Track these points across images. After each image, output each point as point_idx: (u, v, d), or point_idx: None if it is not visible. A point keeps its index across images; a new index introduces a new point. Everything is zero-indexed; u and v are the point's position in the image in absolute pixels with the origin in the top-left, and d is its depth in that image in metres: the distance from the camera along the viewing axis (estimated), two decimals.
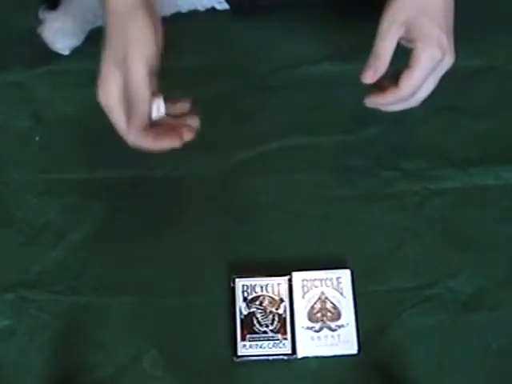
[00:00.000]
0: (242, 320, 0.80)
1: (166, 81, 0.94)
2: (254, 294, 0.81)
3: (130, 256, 0.85)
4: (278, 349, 0.79)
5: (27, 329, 0.82)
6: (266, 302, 0.81)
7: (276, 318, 0.80)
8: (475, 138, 0.91)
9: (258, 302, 0.81)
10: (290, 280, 0.82)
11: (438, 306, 0.82)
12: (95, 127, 0.93)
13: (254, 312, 0.80)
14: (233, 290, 0.81)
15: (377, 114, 0.91)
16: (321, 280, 0.82)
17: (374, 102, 0.79)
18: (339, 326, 0.80)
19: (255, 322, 0.80)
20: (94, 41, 0.97)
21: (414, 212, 0.87)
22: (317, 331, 0.80)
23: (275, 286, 0.82)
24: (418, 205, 0.88)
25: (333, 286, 0.82)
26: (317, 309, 0.81)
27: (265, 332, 0.79)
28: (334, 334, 0.80)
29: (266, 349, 0.79)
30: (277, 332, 0.80)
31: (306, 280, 0.82)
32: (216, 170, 0.90)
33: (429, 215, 0.87)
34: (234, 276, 0.82)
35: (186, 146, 0.91)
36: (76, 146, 0.92)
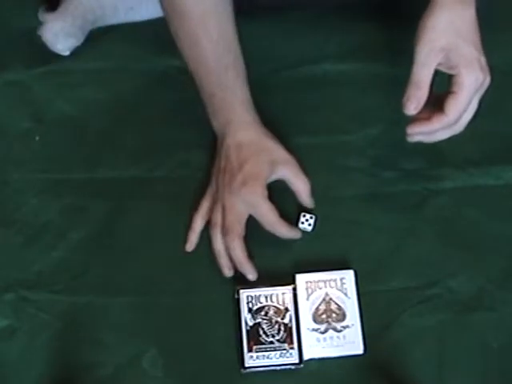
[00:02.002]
0: (248, 331, 0.80)
1: (166, 81, 0.95)
2: (259, 305, 0.81)
3: (130, 256, 0.85)
4: (285, 358, 0.79)
5: (27, 329, 0.82)
6: (271, 312, 0.81)
7: (282, 328, 0.80)
8: (475, 138, 0.91)
9: (263, 313, 0.81)
10: (294, 289, 0.82)
11: (438, 305, 0.82)
12: (95, 127, 0.93)
13: (259, 323, 0.80)
14: (237, 301, 0.81)
15: (377, 114, 0.92)
16: (324, 281, 0.82)
17: (419, 131, 0.78)
18: (344, 327, 0.80)
19: (261, 332, 0.80)
20: (94, 41, 0.98)
21: (414, 212, 0.87)
22: (322, 333, 0.80)
23: (280, 295, 0.82)
24: (418, 205, 0.88)
25: (337, 287, 0.82)
26: (321, 310, 0.81)
27: (271, 342, 0.79)
28: (340, 334, 0.80)
29: (274, 359, 0.79)
30: (283, 342, 0.80)
31: (310, 282, 0.82)
32: None
33: (429, 215, 0.87)
34: (239, 287, 0.82)
35: (187, 146, 0.91)
36: (76, 146, 0.92)
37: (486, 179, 0.89)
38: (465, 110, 0.76)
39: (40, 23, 0.96)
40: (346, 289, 0.82)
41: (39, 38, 0.96)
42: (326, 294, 0.82)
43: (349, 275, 0.82)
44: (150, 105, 0.94)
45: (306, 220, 0.85)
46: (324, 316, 0.81)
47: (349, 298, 0.81)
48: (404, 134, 0.92)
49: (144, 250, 0.86)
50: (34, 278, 0.84)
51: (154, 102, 0.94)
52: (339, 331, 0.80)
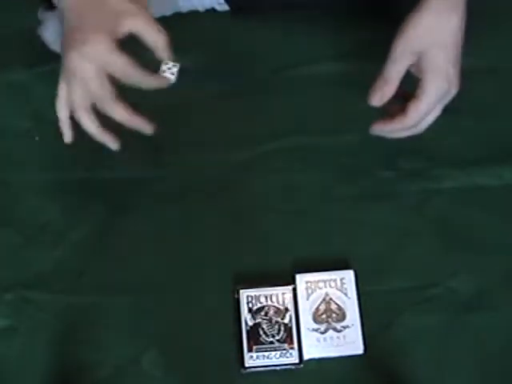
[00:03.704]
0: (248, 331, 0.80)
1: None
2: (259, 305, 0.81)
3: (130, 256, 0.85)
4: (285, 358, 0.79)
5: (27, 329, 0.82)
6: (271, 312, 0.81)
7: (282, 328, 0.80)
8: (475, 137, 0.91)
9: (263, 313, 0.81)
10: (294, 289, 0.82)
11: (438, 306, 0.82)
12: None
13: (259, 323, 0.80)
14: (237, 301, 0.81)
15: (377, 114, 0.92)
16: (324, 281, 0.82)
17: (381, 129, 0.79)
18: (344, 327, 0.80)
19: (261, 332, 0.80)
20: None
21: (414, 212, 0.87)
22: (322, 333, 0.80)
23: (280, 295, 0.82)
24: (418, 205, 0.88)
25: (337, 287, 0.82)
26: (321, 310, 0.81)
27: (271, 342, 0.80)
28: (340, 334, 0.80)
29: (274, 359, 0.79)
30: (283, 342, 0.80)
31: (310, 282, 0.82)
32: (216, 170, 0.90)
33: (429, 215, 0.87)
34: (239, 287, 0.82)
35: (187, 146, 0.91)
36: (76, 146, 0.92)
37: (486, 179, 0.89)
38: (426, 115, 0.77)
39: (40, 23, 0.96)
40: (346, 289, 0.82)
41: (39, 37, 0.95)
42: (326, 294, 0.82)
43: (349, 275, 0.82)
44: (150, 105, 0.94)
45: (169, 68, 0.77)
46: (324, 316, 0.81)
47: (349, 297, 0.81)
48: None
49: (144, 250, 0.86)
50: (34, 278, 0.84)
51: (154, 102, 0.94)
52: (339, 331, 0.80)
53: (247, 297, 0.81)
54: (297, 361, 0.79)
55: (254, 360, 0.79)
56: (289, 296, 0.81)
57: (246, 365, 0.79)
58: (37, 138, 0.93)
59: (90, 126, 0.75)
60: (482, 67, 0.95)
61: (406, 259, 0.85)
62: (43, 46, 0.96)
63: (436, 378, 0.79)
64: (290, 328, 0.80)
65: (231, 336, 0.80)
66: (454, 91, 0.77)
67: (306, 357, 0.79)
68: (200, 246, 0.86)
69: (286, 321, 0.80)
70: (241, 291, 0.82)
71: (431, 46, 0.75)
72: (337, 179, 0.90)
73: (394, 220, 0.87)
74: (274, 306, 0.81)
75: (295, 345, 0.79)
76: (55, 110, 0.94)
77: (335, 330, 0.80)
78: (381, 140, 0.91)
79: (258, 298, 0.81)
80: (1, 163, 0.91)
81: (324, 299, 0.81)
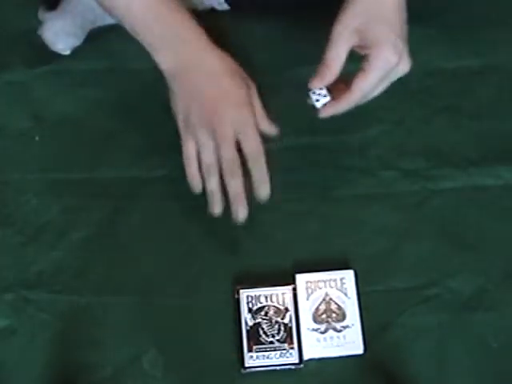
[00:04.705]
0: (248, 331, 0.80)
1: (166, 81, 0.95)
2: (259, 305, 0.81)
3: (130, 256, 0.85)
4: (286, 358, 0.79)
5: (27, 329, 0.82)
6: (271, 312, 0.81)
7: (282, 328, 0.80)
8: (475, 137, 0.91)
9: (263, 313, 0.81)
10: (294, 289, 0.82)
11: (438, 305, 0.82)
12: (95, 127, 0.93)
13: (259, 323, 0.80)
14: (237, 301, 0.81)
15: (377, 114, 0.92)
16: (324, 281, 0.82)
17: (330, 112, 0.77)
18: (344, 327, 0.80)
19: (261, 332, 0.80)
20: (94, 41, 0.98)
21: (414, 212, 0.87)
22: (322, 333, 0.80)
23: (280, 295, 0.82)
24: (418, 205, 0.88)
25: (337, 287, 0.82)
26: (321, 310, 0.81)
27: (271, 342, 0.80)
28: (340, 334, 0.80)
29: (274, 359, 0.79)
30: (283, 342, 0.80)
31: (310, 282, 0.82)
32: None
33: (429, 215, 0.87)
34: (239, 287, 0.82)
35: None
36: (76, 146, 0.92)
37: (486, 179, 0.89)
38: (371, 91, 0.75)
39: (40, 23, 0.96)
40: (345, 289, 0.82)
41: (39, 37, 0.95)
42: (326, 294, 0.82)
43: (349, 275, 0.82)
44: (150, 105, 0.94)
45: (319, 94, 0.77)
46: (324, 316, 0.81)
47: (349, 297, 0.81)
48: (404, 134, 0.92)
49: (144, 250, 0.86)
50: (34, 278, 0.84)
51: (154, 101, 0.94)
52: (339, 331, 0.80)
53: (247, 297, 0.81)
54: (297, 361, 0.79)
55: (254, 360, 0.79)
56: (289, 296, 0.81)
57: (246, 365, 0.79)
58: (37, 138, 0.93)
59: (217, 185, 0.77)
60: (482, 67, 0.95)
61: (406, 259, 0.85)
62: (43, 47, 0.96)
63: (436, 378, 0.79)
64: (290, 328, 0.80)
65: (231, 336, 0.80)
66: (404, 66, 0.74)
67: (305, 357, 0.79)
68: (200, 245, 0.86)
69: (286, 321, 0.80)
70: (241, 291, 0.81)
71: (371, 21, 0.73)
72: (337, 179, 0.89)
73: (394, 220, 0.87)
74: (274, 306, 0.81)
75: (295, 345, 0.79)
76: (55, 110, 0.94)
77: (335, 329, 0.80)
78: (381, 140, 0.92)
79: (257, 297, 0.81)
80: (1, 163, 0.91)
81: (324, 299, 0.81)
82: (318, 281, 0.82)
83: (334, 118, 0.92)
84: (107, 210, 0.88)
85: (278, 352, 0.79)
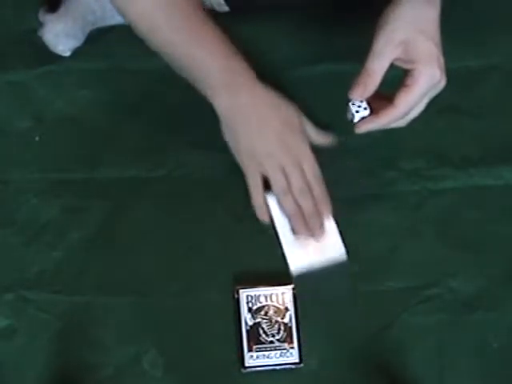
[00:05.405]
0: (247, 331, 0.80)
1: (166, 81, 0.95)
2: (259, 304, 0.81)
3: (130, 256, 0.85)
4: (286, 358, 0.79)
5: (27, 329, 0.82)
6: (271, 312, 0.81)
7: (282, 328, 0.80)
8: (475, 138, 0.91)
9: (263, 312, 0.81)
10: (294, 289, 0.82)
11: (438, 306, 0.82)
12: (95, 127, 0.93)
13: (259, 322, 0.81)
14: (237, 301, 0.81)
15: None
16: None
17: (369, 128, 0.76)
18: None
19: (261, 332, 0.80)
20: (94, 41, 0.98)
21: (414, 212, 0.87)
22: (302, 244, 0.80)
23: (279, 295, 0.82)
24: (418, 205, 0.88)
25: None
26: None
27: (271, 342, 0.80)
28: (319, 240, 0.80)
29: (274, 359, 0.79)
30: (283, 341, 0.80)
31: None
32: (216, 170, 0.90)
33: (429, 215, 0.87)
34: (239, 287, 0.82)
35: (187, 146, 0.91)
36: (76, 146, 0.92)
37: (486, 179, 0.89)
38: (415, 105, 0.74)
39: (40, 24, 0.96)
40: None
41: (39, 38, 0.96)
42: None
43: None
44: (150, 105, 0.94)
45: (359, 106, 0.76)
46: None
47: None
48: (404, 134, 0.92)
49: (144, 250, 0.86)
50: (34, 278, 0.84)
51: (154, 102, 0.94)
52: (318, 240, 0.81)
53: (247, 296, 0.81)
54: (297, 360, 0.79)
55: (254, 360, 0.79)
56: (289, 296, 0.82)
57: (246, 364, 0.79)
58: (37, 138, 0.93)
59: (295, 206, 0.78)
60: (482, 67, 0.95)
61: (406, 259, 0.85)
62: (44, 47, 0.96)
63: (436, 377, 0.79)
64: (290, 327, 0.80)
65: (231, 336, 0.80)
66: (444, 81, 0.74)
67: (292, 268, 0.78)
68: (200, 246, 0.86)
69: (286, 320, 0.81)
70: (241, 291, 0.82)
71: (416, 35, 0.72)
72: (337, 179, 0.89)
73: (393, 220, 0.87)
74: (274, 306, 0.81)
75: (295, 344, 0.79)
76: (55, 110, 0.94)
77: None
78: (381, 140, 0.91)
79: (257, 297, 0.81)
80: (1, 163, 0.91)
81: None
82: None
83: (334, 119, 0.93)
84: (107, 209, 0.88)
85: (278, 352, 0.79)
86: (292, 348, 0.79)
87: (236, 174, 0.89)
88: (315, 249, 0.80)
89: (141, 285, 0.84)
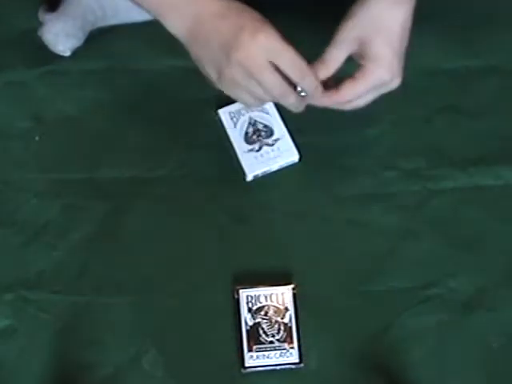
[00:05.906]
0: (247, 331, 0.80)
1: (166, 81, 0.95)
2: (259, 305, 0.81)
3: (130, 256, 0.85)
4: (286, 358, 0.79)
5: (27, 329, 0.82)
6: (271, 312, 0.81)
7: (282, 328, 0.80)
8: (475, 138, 0.91)
9: (262, 312, 0.81)
10: (293, 289, 0.82)
11: (438, 306, 0.82)
12: (95, 127, 0.93)
13: (259, 322, 0.81)
14: (237, 301, 0.81)
15: (377, 114, 0.92)
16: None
17: (308, 101, 0.76)
18: (275, 140, 0.89)
19: (261, 332, 0.80)
20: (94, 41, 0.98)
21: (414, 212, 0.87)
22: (257, 150, 0.88)
23: (279, 295, 0.82)
24: (418, 205, 0.88)
25: (257, 110, 0.90)
26: (251, 132, 0.89)
27: (271, 342, 0.80)
28: (273, 147, 0.88)
29: (274, 359, 0.79)
30: (283, 341, 0.80)
31: (233, 112, 0.90)
32: (216, 170, 0.90)
33: (429, 215, 0.87)
34: (239, 287, 0.82)
35: (187, 146, 0.91)
36: (76, 146, 0.92)
37: (486, 179, 0.89)
38: (358, 97, 0.76)
39: (40, 24, 0.96)
40: (265, 108, 0.89)
41: (39, 37, 0.95)
42: (250, 118, 0.89)
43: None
44: (150, 105, 0.94)
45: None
46: (254, 137, 0.89)
47: (270, 115, 0.89)
48: (404, 134, 0.92)
49: (144, 250, 0.86)
50: (34, 278, 0.84)
51: (154, 102, 0.94)
52: (272, 145, 0.88)
53: (247, 297, 0.81)
54: (297, 360, 0.79)
55: (254, 360, 0.79)
56: (288, 296, 0.81)
57: (246, 365, 0.79)
58: (37, 138, 0.93)
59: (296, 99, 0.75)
60: (482, 67, 0.95)
61: (406, 259, 0.85)
62: (43, 47, 0.96)
63: (436, 377, 0.79)
64: (290, 328, 0.80)
65: (231, 336, 0.80)
66: (395, 83, 0.76)
67: (248, 173, 0.87)
68: (200, 246, 0.86)
69: (286, 320, 0.81)
70: (241, 291, 0.82)
71: (376, 36, 0.74)
72: (337, 179, 0.90)
73: (393, 220, 0.87)
74: (274, 306, 0.81)
75: (295, 344, 0.79)
76: (55, 110, 0.94)
77: (268, 145, 0.88)
78: (381, 140, 0.92)
79: (257, 297, 0.81)
80: (1, 163, 0.91)
81: (250, 123, 0.89)
82: (240, 109, 0.90)
83: (334, 119, 0.93)
84: (107, 210, 0.88)
85: (278, 352, 0.79)
86: (292, 348, 0.79)
87: (236, 174, 0.89)
88: (269, 155, 0.87)
89: (141, 285, 0.84)
